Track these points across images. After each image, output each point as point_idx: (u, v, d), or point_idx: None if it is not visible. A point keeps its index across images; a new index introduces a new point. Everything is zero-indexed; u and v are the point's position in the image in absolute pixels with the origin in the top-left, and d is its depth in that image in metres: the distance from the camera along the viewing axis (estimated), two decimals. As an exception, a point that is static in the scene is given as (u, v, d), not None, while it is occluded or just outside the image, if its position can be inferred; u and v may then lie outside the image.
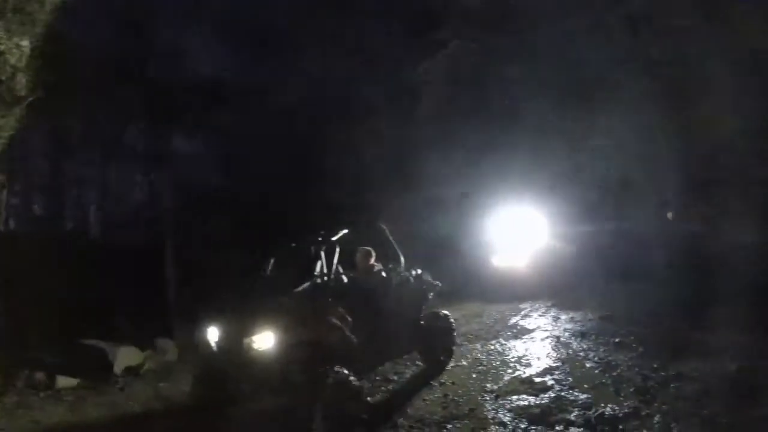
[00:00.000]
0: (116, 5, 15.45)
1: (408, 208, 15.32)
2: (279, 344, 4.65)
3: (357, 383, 4.79)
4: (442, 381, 6.28)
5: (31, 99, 6.32)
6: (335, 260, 5.62)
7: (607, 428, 4.47)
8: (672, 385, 5.26)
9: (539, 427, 4.67)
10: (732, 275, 7.24)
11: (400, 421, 5.10)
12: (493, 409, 5.22)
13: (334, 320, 5.10)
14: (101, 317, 9.81)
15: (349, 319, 5.24)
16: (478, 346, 7.97)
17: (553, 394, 5.44)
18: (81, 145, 16.63)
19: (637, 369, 5.90)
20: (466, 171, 15.63)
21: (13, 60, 5.93)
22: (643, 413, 4.65)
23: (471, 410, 5.23)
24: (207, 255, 13.21)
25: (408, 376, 6.63)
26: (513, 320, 9.67)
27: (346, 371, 4.71)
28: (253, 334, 4.70)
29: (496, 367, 6.73)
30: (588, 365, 6.37)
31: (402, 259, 6.55)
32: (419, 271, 6.84)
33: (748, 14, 7.47)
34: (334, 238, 5.71)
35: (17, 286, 8.11)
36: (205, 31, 18.19)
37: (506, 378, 6.22)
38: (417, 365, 6.89)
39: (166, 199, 13.68)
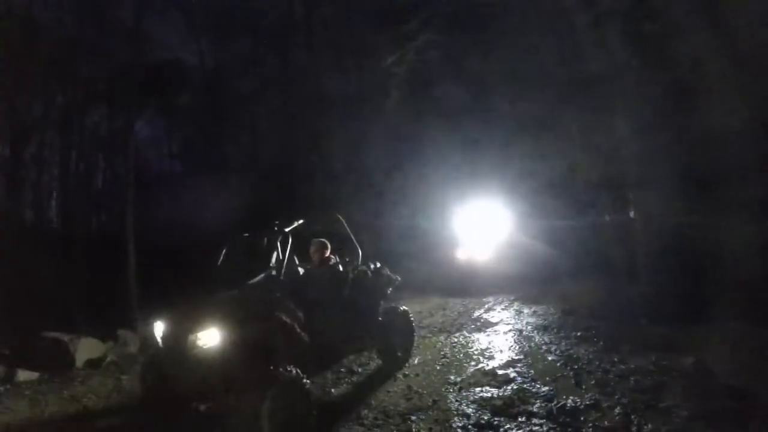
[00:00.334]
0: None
1: (370, 200, 15.32)
2: (224, 342, 4.38)
3: (306, 382, 4.49)
4: (406, 373, 6.27)
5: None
6: (287, 252, 5.32)
7: (568, 420, 4.52)
8: (631, 378, 5.36)
9: (502, 419, 4.68)
10: (707, 274, 7.40)
11: (364, 412, 5.06)
12: (457, 401, 5.22)
13: (284, 317, 4.83)
14: (61, 308, 9.54)
15: (300, 315, 5.00)
16: (442, 338, 8.01)
17: (515, 386, 5.49)
18: (39, 127, 16.02)
19: (597, 362, 6.01)
20: (433, 164, 15.67)
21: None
22: (604, 405, 4.73)
23: (434, 402, 5.22)
24: (170, 242, 12.96)
25: (372, 368, 6.59)
26: (477, 313, 9.77)
27: (294, 370, 4.42)
28: (197, 330, 4.41)
29: (459, 360, 6.76)
30: (550, 358, 6.46)
31: (359, 252, 6.35)
32: (378, 265, 6.68)
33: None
34: (288, 229, 5.45)
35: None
36: (171, 16, 17.85)
37: (470, 370, 6.24)
38: (382, 357, 6.86)
39: (127, 185, 13.27)
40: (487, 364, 6.41)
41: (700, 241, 7.89)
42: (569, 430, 4.36)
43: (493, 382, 5.70)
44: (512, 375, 5.87)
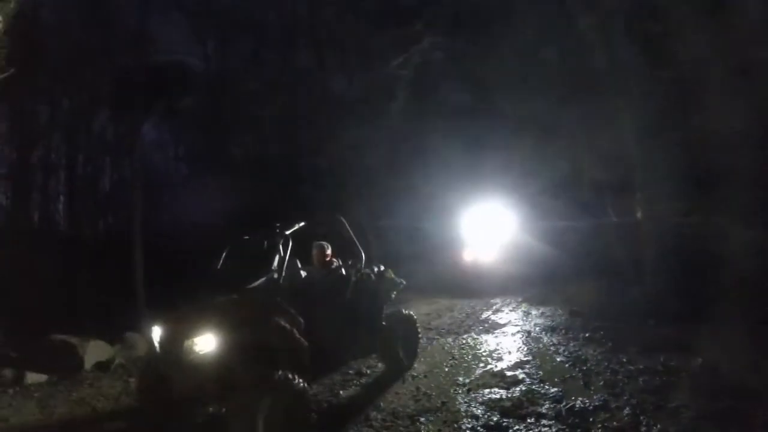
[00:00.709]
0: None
1: (375, 202, 15.33)
2: (220, 346, 4.26)
3: (304, 387, 4.33)
4: (415, 375, 6.28)
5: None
6: (287, 255, 5.17)
7: (577, 421, 4.54)
8: (640, 379, 5.39)
9: (511, 420, 4.70)
10: (709, 274, 7.42)
11: (373, 414, 5.07)
12: (465, 403, 5.23)
13: (282, 321, 4.68)
14: (69, 311, 9.57)
15: (300, 319, 4.84)
16: (450, 340, 8.02)
17: (524, 388, 5.50)
18: (47, 131, 16.12)
19: (606, 363, 6.03)
20: (437, 165, 15.69)
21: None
22: (613, 406, 4.75)
23: (443, 403, 5.23)
24: (176, 244, 13.00)
25: (380, 369, 6.59)
26: (484, 315, 9.79)
27: (292, 375, 4.27)
28: (194, 335, 4.31)
29: (468, 361, 6.78)
30: (558, 359, 6.48)
31: (363, 254, 6.18)
32: (381, 268, 6.54)
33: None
34: (289, 231, 5.34)
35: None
36: (175, 18, 17.90)
37: (478, 372, 6.26)
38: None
39: (135, 188, 13.35)
40: (496, 366, 6.43)
41: (702, 240, 7.91)
42: (578, 431, 4.37)
43: (501, 384, 5.71)
44: (521, 376, 5.88)
